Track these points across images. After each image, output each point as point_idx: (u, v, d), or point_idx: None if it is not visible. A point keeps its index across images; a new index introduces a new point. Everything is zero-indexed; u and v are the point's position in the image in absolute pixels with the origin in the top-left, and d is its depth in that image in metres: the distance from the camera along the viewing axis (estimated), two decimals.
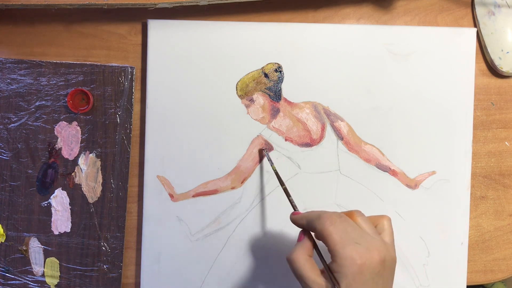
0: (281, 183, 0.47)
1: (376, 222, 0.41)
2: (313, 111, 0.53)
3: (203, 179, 0.52)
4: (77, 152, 0.53)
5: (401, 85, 0.53)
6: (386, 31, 0.53)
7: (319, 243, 0.39)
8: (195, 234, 0.52)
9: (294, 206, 0.44)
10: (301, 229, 0.41)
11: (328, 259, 0.38)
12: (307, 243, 0.39)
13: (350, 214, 0.40)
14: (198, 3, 0.50)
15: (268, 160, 0.51)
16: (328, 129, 0.53)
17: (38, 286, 0.53)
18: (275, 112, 0.53)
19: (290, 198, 0.45)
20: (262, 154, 0.52)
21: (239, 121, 0.52)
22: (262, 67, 0.53)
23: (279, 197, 0.53)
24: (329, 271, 0.36)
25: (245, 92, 0.53)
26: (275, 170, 0.49)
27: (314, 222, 0.38)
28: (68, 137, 0.53)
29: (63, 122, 0.52)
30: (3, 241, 0.53)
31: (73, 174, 0.52)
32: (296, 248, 0.39)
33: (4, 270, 0.53)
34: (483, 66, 0.56)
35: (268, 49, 0.52)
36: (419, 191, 0.54)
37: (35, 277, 0.53)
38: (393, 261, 0.38)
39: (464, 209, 0.54)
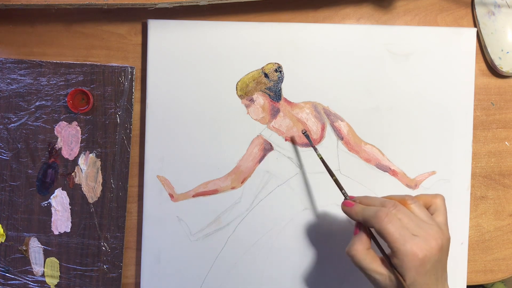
0: (331, 173, 0.46)
1: (429, 203, 0.42)
2: (313, 111, 0.53)
3: (203, 179, 0.52)
4: (77, 152, 0.53)
5: (401, 85, 0.53)
6: (386, 31, 0.53)
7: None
8: (195, 234, 0.52)
9: (345, 195, 0.45)
10: (356, 222, 0.42)
11: (385, 248, 0.40)
12: (364, 237, 0.41)
13: (403, 202, 0.41)
14: (198, 3, 0.50)
15: (312, 146, 0.49)
16: (328, 129, 0.53)
17: (38, 286, 0.53)
18: (275, 112, 0.53)
19: (342, 190, 0.45)
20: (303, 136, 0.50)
21: (239, 121, 0.52)
22: (262, 67, 0.53)
23: (279, 197, 0.53)
24: (392, 266, 0.38)
25: (245, 92, 0.53)
26: (321, 157, 0.48)
27: (371, 221, 0.39)
28: (68, 137, 0.53)
29: (63, 122, 0.52)
30: (3, 241, 0.53)
31: (73, 174, 0.52)
32: (354, 242, 0.41)
33: (4, 270, 0.53)
34: (483, 66, 0.56)
35: (268, 49, 0.52)
36: (419, 191, 0.54)
37: (35, 277, 0.53)
38: (449, 242, 0.40)
39: (464, 209, 0.54)
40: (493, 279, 0.56)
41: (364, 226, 0.41)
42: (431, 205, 0.42)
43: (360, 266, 0.40)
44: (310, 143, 0.49)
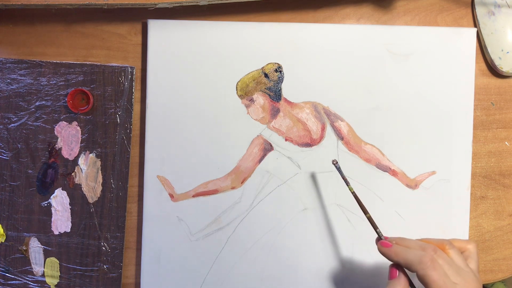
0: (364, 211, 0.45)
1: (463, 248, 0.43)
2: (313, 111, 0.53)
3: (203, 179, 0.52)
4: (77, 152, 0.53)
5: (401, 85, 0.53)
6: (386, 31, 0.53)
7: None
8: (195, 234, 0.52)
9: (380, 235, 0.44)
10: (392, 263, 0.41)
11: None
12: (403, 280, 0.40)
13: (441, 247, 0.41)
14: (198, 3, 0.50)
15: (343, 178, 0.47)
16: (328, 129, 0.53)
17: (38, 286, 0.53)
18: (275, 112, 0.53)
19: (376, 229, 0.44)
20: (336, 167, 0.48)
21: (239, 121, 0.52)
22: (262, 67, 0.53)
23: (279, 197, 0.53)
24: None
25: (245, 92, 0.53)
26: (354, 192, 0.46)
27: (415, 266, 0.39)
28: (68, 137, 0.53)
29: (63, 122, 0.53)
30: (3, 241, 0.53)
31: (73, 174, 0.52)
32: (394, 286, 0.40)
33: (4, 270, 0.53)
34: (483, 66, 0.56)
35: (268, 49, 0.52)
36: (419, 191, 0.54)
37: (35, 277, 0.53)
38: None
39: (464, 209, 0.54)
40: (493, 279, 0.56)
41: (403, 270, 0.41)
42: (464, 251, 0.42)
43: None
44: (342, 175, 0.47)
